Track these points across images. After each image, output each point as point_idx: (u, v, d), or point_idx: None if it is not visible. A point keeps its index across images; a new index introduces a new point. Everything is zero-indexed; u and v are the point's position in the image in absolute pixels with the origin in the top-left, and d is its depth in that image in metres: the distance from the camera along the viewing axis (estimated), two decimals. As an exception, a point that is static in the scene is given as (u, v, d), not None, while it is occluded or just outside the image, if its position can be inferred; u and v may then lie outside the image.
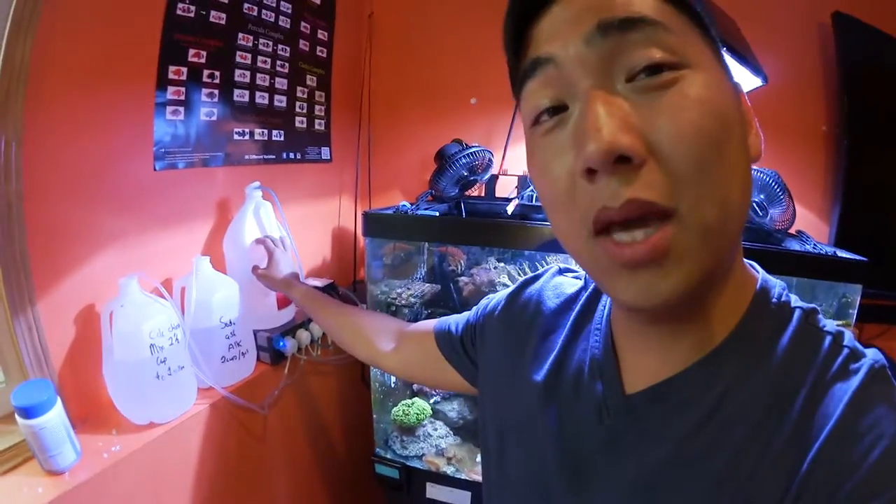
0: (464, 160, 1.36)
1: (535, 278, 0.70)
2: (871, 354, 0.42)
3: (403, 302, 1.41)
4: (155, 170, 1.12)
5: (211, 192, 1.29)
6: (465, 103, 1.79)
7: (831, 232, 1.51)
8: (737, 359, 0.43)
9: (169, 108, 1.15)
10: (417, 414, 1.36)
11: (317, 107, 1.68)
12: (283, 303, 1.33)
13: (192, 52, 1.20)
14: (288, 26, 1.50)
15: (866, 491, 0.35)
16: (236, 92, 1.34)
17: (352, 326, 0.95)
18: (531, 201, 1.41)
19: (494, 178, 1.65)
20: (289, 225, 1.41)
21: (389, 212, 1.35)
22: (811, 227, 1.47)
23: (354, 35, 1.82)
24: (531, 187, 1.48)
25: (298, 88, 1.58)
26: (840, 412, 0.38)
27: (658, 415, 0.46)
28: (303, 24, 1.56)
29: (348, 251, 1.85)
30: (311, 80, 1.63)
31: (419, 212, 1.36)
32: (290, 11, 1.50)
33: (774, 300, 0.46)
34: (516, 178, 1.63)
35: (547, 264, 1.25)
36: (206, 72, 1.24)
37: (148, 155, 1.11)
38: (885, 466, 0.35)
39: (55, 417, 0.82)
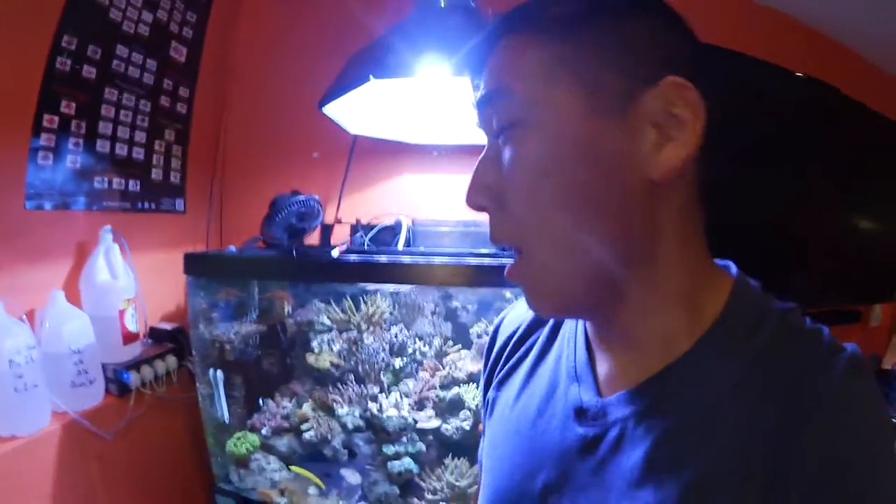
0: (292, 208, 1.63)
1: (501, 319, 0.83)
2: (850, 348, 0.47)
3: (225, 339, 1.73)
4: (25, 208, 1.45)
5: (72, 233, 1.61)
6: (308, 157, 2.21)
7: None
8: (712, 358, 0.50)
9: (41, 154, 1.48)
10: (246, 445, 1.66)
11: (173, 159, 2.04)
12: (128, 339, 1.64)
13: (64, 102, 1.54)
14: (151, 83, 1.87)
15: (851, 482, 0.41)
16: (99, 142, 1.68)
17: None
18: (361, 247, 1.81)
19: (329, 227, 2.03)
20: (139, 269, 1.74)
21: (214, 253, 1.71)
22: None
23: (215, 91, 2.22)
24: (360, 233, 1.88)
25: (157, 142, 1.94)
26: (822, 408, 0.44)
27: (634, 417, 0.52)
28: (166, 80, 1.94)
29: (197, 300, 2.18)
30: (169, 134, 2.00)
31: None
32: (154, 69, 1.87)
33: (750, 299, 0.53)
34: (349, 226, 2.00)
35: (354, 304, 1.63)
36: (74, 122, 1.58)
37: (20, 194, 1.43)
38: (869, 457, 0.42)
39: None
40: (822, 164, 1.88)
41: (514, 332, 0.76)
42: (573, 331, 0.65)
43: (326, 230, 2.04)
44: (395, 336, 1.64)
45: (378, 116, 1.79)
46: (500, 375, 0.75)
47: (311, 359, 1.68)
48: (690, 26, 0.53)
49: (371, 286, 1.63)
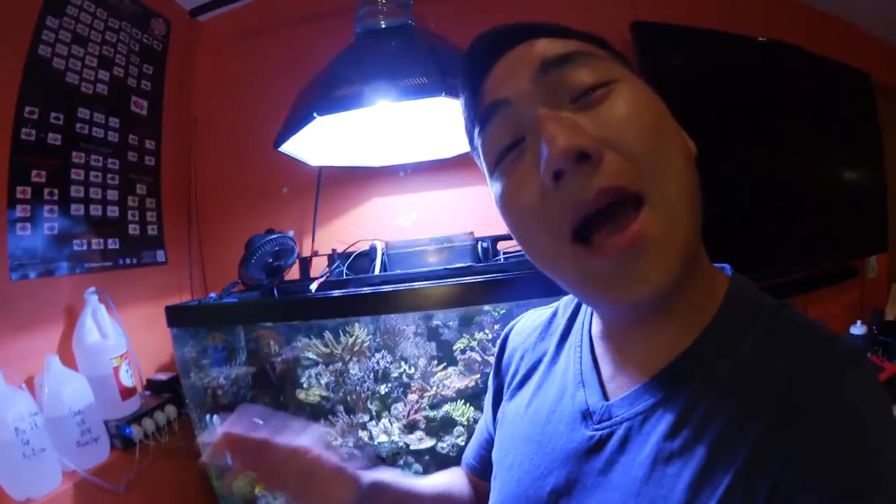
0: (267, 247, 1.72)
1: (509, 329, 0.88)
2: (845, 339, 0.51)
3: (216, 384, 1.80)
4: (11, 280, 1.55)
5: (59, 297, 1.71)
6: (279, 194, 2.31)
7: None
8: (710, 356, 0.54)
9: (18, 225, 1.58)
10: (251, 482, 1.74)
11: (148, 212, 2.13)
12: (125, 394, 1.74)
13: (34, 172, 1.64)
14: (116, 140, 1.97)
15: (846, 478, 0.43)
16: (73, 206, 1.78)
17: None
18: (341, 276, 1.89)
19: (308, 260, 2.11)
20: (128, 324, 1.83)
21: (193, 304, 1.77)
22: None
23: (180, 140, 2.32)
24: (337, 263, 1.95)
25: (129, 197, 2.04)
26: (819, 392, 0.47)
27: (638, 416, 0.56)
28: (131, 136, 2.04)
29: (189, 348, 2.28)
30: (140, 189, 2.10)
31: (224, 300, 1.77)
32: (118, 126, 1.97)
33: (745, 297, 0.57)
34: (326, 257, 2.06)
35: (334, 336, 1.68)
36: (46, 189, 1.68)
37: (4, 266, 1.53)
38: (866, 443, 0.44)
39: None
40: (794, 121, 2.14)
41: (524, 343, 0.81)
42: (579, 339, 0.70)
43: (305, 263, 2.11)
44: (378, 363, 1.66)
45: (338, 145, 1.86)
46: (512, 386, 0.80)
47: (301, 394, 1.72)
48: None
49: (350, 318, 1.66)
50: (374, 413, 1.67)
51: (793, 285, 2.21)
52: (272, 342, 1.80)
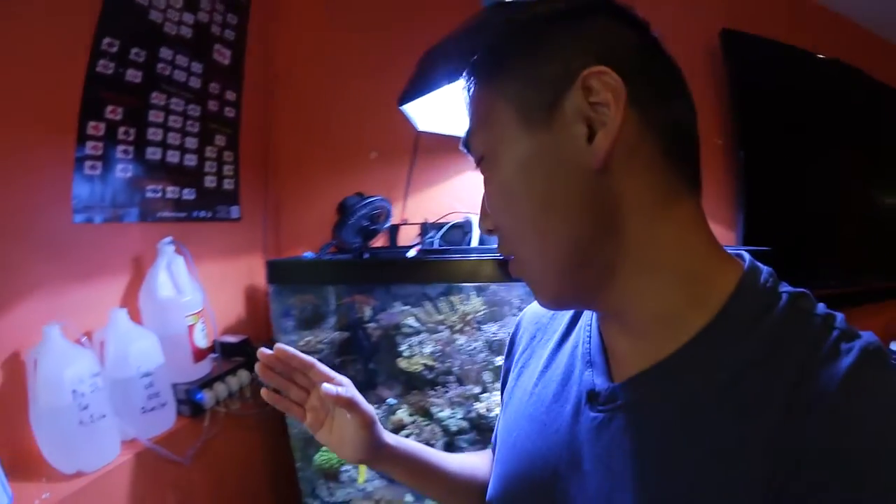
0: (363, 211, 1.52)
1: (525, 311, 0.82)
2: (866, 336, 0.45)
3: (312, 348, 1.55)
4: (73, 222, 1.23)
5: (126, 246, 1.40)
6: (365, 157, 2.01)
7: (737, 237, 1.79)
8: (719, 342, 0.48)
9: (87, 163, 1.27)
10: (334, 457, 1.48)
11: (225, 166, 1.83)
12: (198, 356, 1.42)
13: (109, 108, 1.33)
14: (198, 86, 1.66)
15: (859, 476, 0.38)
16: (149, 150, 1.48)
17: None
18: (432, 247, 1.61)
19: (396, 227, 1.84)
20: (202, 283, 1.52)
21: (295, 259, 1.53)
22: (717, 235, 1.77)
23: (261, 95, 2.01)
24: (431, 234, 1.69)
25: (208, 147, 1.73)
26: (831, 393, 0.41)
27: (645, 400, 0.51)
28: (212, 84, 1.73)
29: (261, 308, 1.96)
30: (220, 140, 1.79)
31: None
32: (200, 72, 1.66)
33: (760, 285, 0.50)
34: (418, 226, 1.82)
35: (450, 305, 1.45)
36: (121, 128, 1.37)
37: (67, 207, 1.22)
38: (879, 451, 0.38)
39: (-16, 460, 0.89)
40: (849, 142, 2.00)
41: (536, 323, 0.75)
42: (589, 319, 0.64)
43: (393, 231, 1.84)
44: (494, 334, 1.46)
45: (440, 112, 1.58)
46: (519, 364, 0.74)
47: (402, 363, 1.49)
48: (628, 14, 0.52)
49: (455, 285, 1.47)
50: (486, 385, 1.49)
51: (834, 298, 1.90)
52: (368, 308, 1.58)
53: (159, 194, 1.52)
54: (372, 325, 1.57)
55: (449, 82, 1.21)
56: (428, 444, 1.40)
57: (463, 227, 1.74)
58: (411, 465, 0.79)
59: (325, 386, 0.71)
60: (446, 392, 1.47)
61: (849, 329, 0.45)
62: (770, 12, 1.94)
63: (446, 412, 1.46)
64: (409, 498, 1.47)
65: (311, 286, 1.65)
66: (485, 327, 1.49)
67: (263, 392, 0.76)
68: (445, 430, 1.45)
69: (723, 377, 0.46)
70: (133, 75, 1.40)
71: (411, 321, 1.53)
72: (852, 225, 2.06)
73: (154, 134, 1.49)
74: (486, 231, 0.60)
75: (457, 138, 1.62)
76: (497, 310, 1.48)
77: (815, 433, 0.40)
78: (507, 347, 0.81)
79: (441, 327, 1.50)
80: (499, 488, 0.66)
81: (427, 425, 1.46)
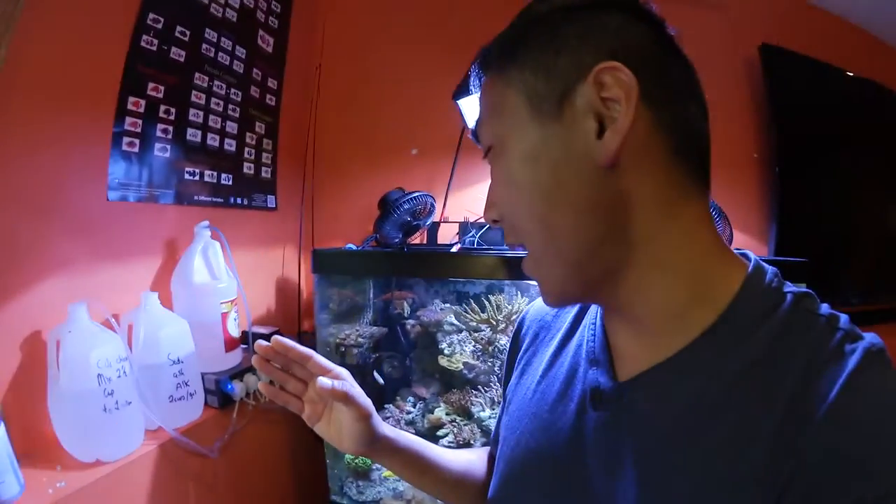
0: (407, 205, 1.43)
1: (528, 308, 0.79)
2: (869, 337, 0.44)
3: (352, 342, 1.45)
4: (108, 200, 1.14)
5: (160, 228, 1.31)
6: (406, 154, 1.92)
7: (770, 250, 1.73)
8: (724, 341, 0.47)
9: (125, 140, 1.18)
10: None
11: (264, 154, 1.74)
12: (230, 345, 1.33)
13: (150, 85, 1.25)
14: (241, 71, 1.58)
15: (862, 477, 0.37)
16: (189, 131, 1.39)
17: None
18: (472, 246, 1.51)
19: (436, 225, 1.74)
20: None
21: (339, 250, 1.44)
22: (750, 247, 1.66)
23: (302, 85, 1.93)
24: (471, 233, 1.59)
25: (248, 134, 1.64)
26: (835, 394, 0.40)
27: (649, 399, 0.50)
28: (255, 70, 1.65)
29: (292, 300, 1.86)
30: (259, 127, 1.70)
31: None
32: (244, 56, 1.58)
33: (764, 285, 0.49)
34: (457, 224, 1.72)
35: (490, 303, 1.36)
36: (162, 107, 1.29)
37: (102, 184, 1.13)
38: (882, 454, 0.38)
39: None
40: (881, 161, 1.96)
41: (540, 321, 0.73)
42: (594, 317, 0.62)
43: (433, 229, 1.73)
44: None
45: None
46: (522, 362, 0.72)
47: (443, 361, 1.41)
48: (648, 13, 0.50)
49: (492, 284, 1.41)
50: None
51: (856, 315, 1.85)
52: (407, 304, 1.51)
53: (197, 177, 1.43)
54: (411, 321, 1.48)
55: None
56: (467, 444, 1.33)
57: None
58: (409, 459, 0.76)
59: (321, 379, 0.68)
60: (487, 392, 1.37)
61: (852, 330, 0.45)
62: (810, 30, 1.86)
63: (487, 412, 1.36)
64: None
65: (351, 279, 1.57)
66: None
67: (261, 385, 0.75)
68: (485, 430, 1.36)
69: (727, 376, 0.45)
70: (177, 53, 1.32)
71: (451, 319, 1.45)
72: (877, 243, 2.01)
73: (195, 115, 1.41)
74: (491, 221, 0.58)
75: None
76: None
77: (818, 433, 0.39)
78: (510, 345, 0.79)
79: (483, 326, 1.41)
80: (502, 485, 0.64)
81: (466, 425, 1.37)
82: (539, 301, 0.76)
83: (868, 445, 0.38)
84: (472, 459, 0.82)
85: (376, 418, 0.73)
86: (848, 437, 0.39)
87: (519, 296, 1.37)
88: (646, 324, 0.52)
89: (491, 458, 0.80)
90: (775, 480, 0.40)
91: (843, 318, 0.46)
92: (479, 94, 0.57)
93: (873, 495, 0.37)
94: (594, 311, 0.63)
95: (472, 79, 0.59)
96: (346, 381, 0.71)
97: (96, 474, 0.92)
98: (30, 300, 0.96)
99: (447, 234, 1.76)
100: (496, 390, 1.36)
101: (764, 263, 0.51)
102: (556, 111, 0.48)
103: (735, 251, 0.53)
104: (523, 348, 0.73)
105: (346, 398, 0.68)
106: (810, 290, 0.49)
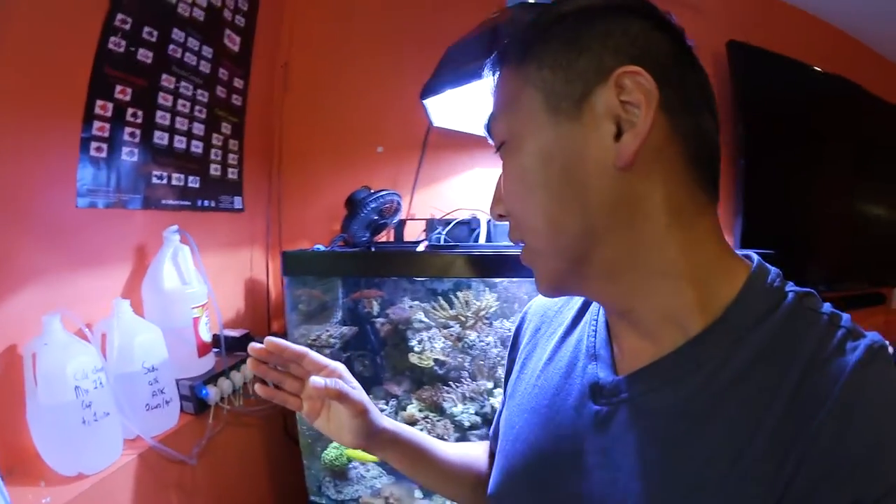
0: (373, 204, 1.45)
1: (531, 303, 0.81)
2: (871, 335, 0.45)
3: (323, 343, 1.47)
4: (77, 206, 1.13)
5: (129, 234, 1.29)
6: (371, 152, 1.93)
7: (735, 242, 1.79)
8: (725, 338, 0.47)
9: (93, 144, 1.17)
10: (346, 454, 1.41)
11: (230, 155, 1.73)
12: (202, 350, 1.33)
13: (118, 87, 1.23)
14: (208, 71, 1.56)
15: (863, 473, 0.38)
16: (156, 133, 1.37)
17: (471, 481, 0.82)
18: (438, 242, 1.55)
19: (402, 222, 1.76)
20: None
21: (310, 251, 1.45)
22: None
23: (268, 84, 1.91)
24: (437, 230, 1.63)
25: (214, 135, 1.63)
26: (837, 391, 0.41)
27: (648, 395, 0.51)
28: (221, 70, 1.63)
29: (261, 302, 1.86)
30: (226, 128, 1.69)
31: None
32: (210, 56, 1.56)
33: (766, 284, 0.50)
34: (424, 221, 1.75)
35: (458, 299, 1.40)
36: (130, 110, 1.27)
37: (71, 190, 1.11)
38: (883, 449, 0.39)
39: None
40: (839, 150, 2.05)
41: (542, 316, 0.74)
42: (595, 313, 0.63)
43: (399, 226, 1.76)
44: (509, 330, 1.40)
45: (453, 108, 1.50)
46: (522, 356, 0.73)
47: (413, 358, 1.44)
48: (667, 22, 0.51)
49: (461, 281, 1.43)
50: (499, 380, 1.45)
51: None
52: (374, 302, 1.54)
53: (164, 181, 1.42)
54: (381, 320, 1.51)
55: (474, 79, 1.17)
56: (440, 439, 1.34)
57: (469, 224, 1.67)
58: (408, 451, 0.78)
59: (313, 379, 0.69)
60: (458, 387, 1.41)
61: (854, 328, 0.45)
62: (776, 26, 1.94)
63: (459, 407, 1.40)
64: (418, 494, 1.41)
65: (319, 280, 1.59)
66: (496, 323, 1.44)
67: (258, 387, 0.76)
68: (458, 425, 1.39)
69: (728, 372, 0.46)
70: (144, 55, 1.30)
71: (420, 316, 1.48)
72: (841, 232, 2.10)
73: (161, 118, 1.39)
74: (497, 216, 0.59)
75: (468, 135, 1.58)
76: (507, 306, 1.43)
77: (820, 429, 0.40)
78: (511, 339, 0.80)
79: (452, 323, 1.44)
80: (501, 481, 0.65)
81: (439, 420, 1.40)
82: (541, 296, 0.75)
83: (870, 443, 0.39)
84: (470, 453, 0.84)
85: (374, 412, 0.75)
86: (850, 435, 0.39)
87: (487, 292, 1.40)
88: (646, 325, 0.52)
89: (491, 454, 0.81)
90: (776, 477, 0.41)
91: (845, 316, 0.47)
92: (493, 87, 0.58)
93: (875, 494, 0.38)
94: (597, 306, 0.64)
95: (485, 70, 0.58)
96: (339, 380, 0.72)
97: (80, 488, 0.92)
98: (4, 313, 0.95)
99: (415, 231, 1.79)
100: (467, 385, 1.40)
101: (767, 264, 0.53)
102: (575, 111, 0.49)
103: (738, 252, 0.54)
104: (524, 342, 0.74)
105: (340, 395, 0.70)
106: (812, 290, 0.50)
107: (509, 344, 0.80)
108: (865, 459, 0.38)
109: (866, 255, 2.19)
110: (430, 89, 1.31)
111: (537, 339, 0.72)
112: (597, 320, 0.62)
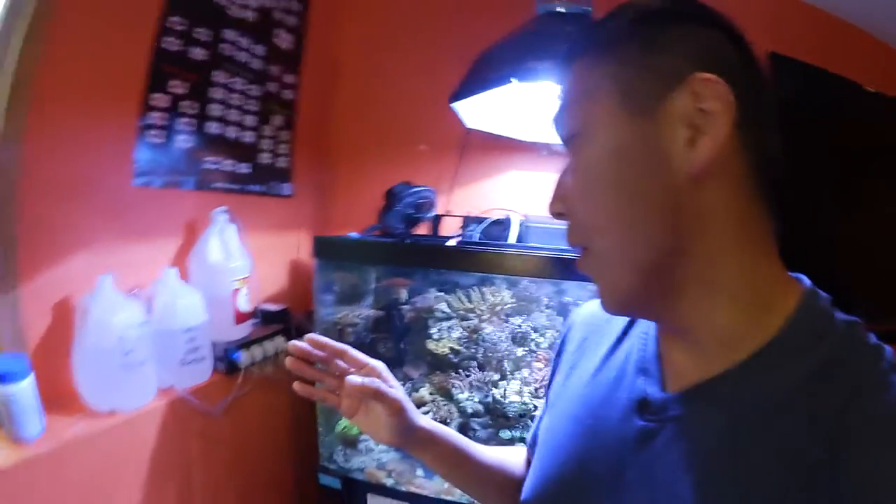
0: (409, 199, 1.56)
1: (578, 311, 0.79)
2: None
3: (348, 322, 1.61)
4: (133, 185, 1.31)
5: (181, 212, 1.47)
6: (415, 149, 2.04)
7: None
8: (775, 364, 0.47)
9: (151, 132, 1.35)
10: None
11: (281, 144, 1.89)
12: (240, 319, 1.49)
13: (173, 82, 1.40)
14: (259, 68, 1.73)
15: None
16: (209, 124, 1.54)
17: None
18: (471, 239, 1.63)
19: (439, 218, 1.87)
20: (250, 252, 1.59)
21: (343, 238, 1.59)
22: None
23: (319, 80, 2.07)
24: (471, 227, 1.72)
25: (265, 126, 1.79)
26: (876, 425, 0.41)
27: (695, 414, 0.50)
28: (273, 67, 1.79)
29: (304, 282, 2.02)
30: (277, 120, 1.85)
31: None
32: (261, 54, 1.73)
33: (819, 310, 0.49)
34: (461, 218, 1.83)
35: (481, 294, 1.48)
36: (184, 102, 1.44)
37: (128, 171, 1.29)
38: None
39: (27, 388, 0.96)
40: (884, 175, 1.86)
41: (589, 325, 0.73)
42: (646, 326, 0.62)
43: (436, 221, 1.87)
44: (519, 326, 1.53)
45: (490, 112, 1.62)
46: (568, 364, 0.72)
47: (431, 345, 1.55)
48: (741, 36, 0.52)
49: (486, 276, 1.54)
50: (507, 372, 1.53)
51: None
52: (403, 290, 1.66)
53: (216, 166, 1.59)
54: (407, 307, 1.62)
55: (500, 85, 1.28)
56: (444, 422, 1.44)
57: (503, 224, 1.73)
58: (444, 451, 0.78)
59: (350, 378, 0.71)
60: (468, 376, 1.50)
61: None
62: (819, 40, 1.88)
63: (465, 395, 1.49)
64: (420, 472, 1.50)
65: (354, 264, 1.72)
66: (512, 320, 1.52)
67: (296, 385, 0.77)
68: (462, 411, 1.48)
69: (775, 399, 0.46)
70: (197, 53, 1.47)
71: (443, 306, 1.58)
72: (879, 261, 1.93)
73: (215, 110, 1.56)
74: (556, 214, 0.56)
75: (506, 138, 1.67)
76: (525, 305, 1.51)
77: (857, 464, 0.40)
78: (557, 346, 0.78)
79: (471, 315, 1.54)
80: (537, 488, 0.64)
81: (445, 405, 1.49)
82: (588, 305, 0.76)
83: None
84: (509, 458, 0.84)
85: (411, 410, 0.75)
86: (887, 467, 0.39)
87: (504, 289, 1.49)
88: (700, 342, 0.52)
89: (527, 461, 0.81)
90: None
91: (889, 349, 0.46)
92: (566, 80, 0.56)
93: None
94: (646, 321, 0.63)
95: (561, 58, 0.57)
96: (377, 379, 0.73)
97: (112, 422, 1.09)
98: (61, 271, 1.13)
99: (452, 227, 1.89)
100: (475, 375, 1.49)
101: (816, 288, 0.52)
102: (651, 111, 0.48)
103: (790, 274, 0.53)
104: (570, 350, 0.74)
105: (377, 394, 0.71)
106: (858, 319, 0.49)
107: (555, 349, 0.79)
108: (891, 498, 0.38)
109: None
110: (457, 94, 1.42)
111: (584, 348, 0.71)
112: (647, 334, 0.61)
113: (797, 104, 1.72)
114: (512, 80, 1.26)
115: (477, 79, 1.42)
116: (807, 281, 0.52)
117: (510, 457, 0.84)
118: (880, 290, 1.88)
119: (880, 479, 0.39)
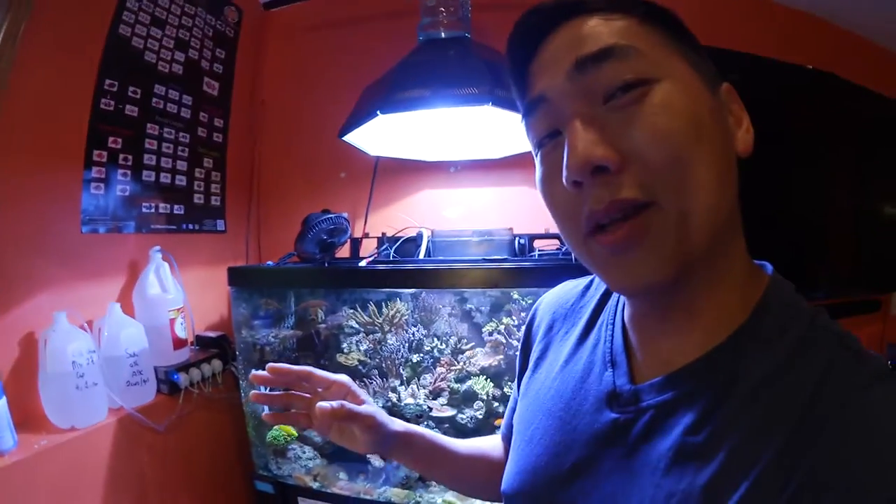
0: (322, 225, 1.75)
1: (541, 300, 0.83)
2: (878, 358, 0.47)
3: (265, 342, 1.86)
4: (81, 232, 1.59)
5: (124, 253, 1.75)
6: (336, 177, 2.33)
7: None
8: (742, 354, 0.50)
9: (93, 184, 1.62)
10: (284, 436, 1.78)
11: (213, 184, 2.17)
12: (177, 345, 1.77)
13: (111, 139, 1.68)
14: (188, 116, 2.01)
15: (868, 493, 0.39)
16: (144, 172, 1.82)
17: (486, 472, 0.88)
18: (388, 257, 1.91)
19: (358, 240, 2.12)
20: (187, 285, 1.87)
21: (254, 267, 1.86)
22: None
23: (247, 120, 2.35)
24: (385, 245, 1.97)
25: (197, 169, 2.07)
26: (845, 410, 0.43)
27: (665, 405, 0.53)
28: (202, 113, 2.07)
29: (239, 310, 2.31)
30: (207, 162, 2.13)
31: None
32: (190, 104, 2.01)
33: (782, 300, 0.53)
34: (376, 239, 2.08)
35: (377, 308, 1.74)
36: (121, 155, 1.72)
37: (77, 220, 1.57)
38: (890, 468, 0.39)
39: (1, 409, 1.23)
40: (839, 153, 2.04)
41: (553, 313, 0.77)
42: (611, 317, 0.65)
43: (356, 243, 2.12)
44: (413, 335, 1.72)
45: (395, 139, 1.88)
46: (536, 354, 0.75)
47: (341, 358, 1.78)
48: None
49: (393, 292, 1.71)
50: (404, 379, 1.73)
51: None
52: (319, 310, 1.88)
53: (153, 209, 1.87)
54: (323, 325, 1.87)
55: (369, 119, 1.53)
56: None
57: (415, 241, 1.99)
58: (422, 452, 0.84)
59: (320, 405, 0.75)
60: (371, 384, 1.74)
61: (863, 350, 0.48)
62: (758, 25, 2.03)
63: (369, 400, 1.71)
64: (342, 475, 1.75)
65: (275, 290, 1.94)
66: (412, 329, 1.73)
67: (265, 416, 0.83)
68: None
69: (744, 386, 0.48)
70: (131, 110, 1.75)
71: (353, 322, 1.82)
72: (832, 234, 2.10)
73: (149, 159, 1.84)
74: (602, 160, 0.47)
75: (411, 162, 1.99)
76: (425, 315, 1.72)
77: (827, 448, 0.42)
78: (523, 336, 0.82)
79: (374, 328, 1.77)
80: (515, 481, 0.67)
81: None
82: (551, 293, 0.81)
83: (875, 460, 0.40)
84: (484, 446, 0.90)
85: (384, 420, 0.80)
86: (855, 451, 0.41)
87: (398, 301, 1.72)
88: (687, 327, 0.54)
89: (505, 450, 0.87)
90: (784, 490, 0.42)
91: (854, 337, 0.49)
92: (596, 25, 0.51)
93: (884, 499, 0.39)
94: (611, 310, 0.66)
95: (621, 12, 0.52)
96: (345, 402, 0.78)
97: (71, 436, 1.36)
98: (25, 310, 1.40)
99: (370, 248, 2.13)
100: (376, 382, 1.73)
101: (780, 277, 0.56)
102: (715, 91, 0.53)
103: (754, 263, 0.57)
104: (536, 340, 0.77)
105: (348, 416, 0.75)
106: (822, 308, 0.52)
107: (521, 339, 0.82)
108: (871, 477, 0.39)
109: (862, 261, 2.18)
110: (343, 129, 1.70)
111: (551, 337, 0.74)
112: (613, 325, 0.64)
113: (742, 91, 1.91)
114: (378, 113, 1.46)
115: (355, 113, 1.67)
116: (770, 268, 0.56)
117: (488, 444, 0.91)
118: (836, 265, 2.09)
119: (852, 457, 0.40)
